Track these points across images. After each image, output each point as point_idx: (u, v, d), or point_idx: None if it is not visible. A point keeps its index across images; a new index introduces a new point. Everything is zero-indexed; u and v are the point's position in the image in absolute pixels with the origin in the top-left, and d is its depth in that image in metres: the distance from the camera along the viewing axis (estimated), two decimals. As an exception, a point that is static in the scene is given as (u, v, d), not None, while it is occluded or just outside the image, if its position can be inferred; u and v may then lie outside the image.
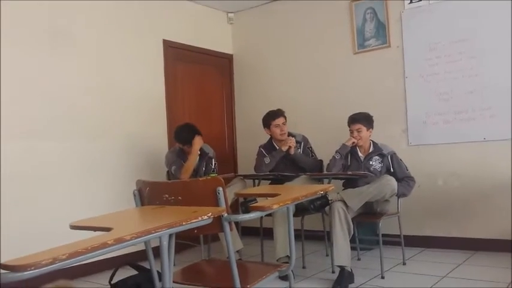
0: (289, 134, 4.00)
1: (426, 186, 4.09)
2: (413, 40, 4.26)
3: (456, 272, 3.36)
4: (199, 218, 1.47)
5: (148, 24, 4.54)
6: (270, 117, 4.00)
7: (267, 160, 3.97)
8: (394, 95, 4.35)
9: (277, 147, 4.00)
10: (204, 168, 4.12)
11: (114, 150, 4.14)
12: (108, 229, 1.35)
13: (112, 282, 1.95)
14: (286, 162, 3.95)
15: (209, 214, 1.51)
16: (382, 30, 4.44)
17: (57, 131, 3.73)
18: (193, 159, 3.97)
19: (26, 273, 1.00)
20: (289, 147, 3.88)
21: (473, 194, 3.95)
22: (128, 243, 1.22)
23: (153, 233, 1.31)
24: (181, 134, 4.02)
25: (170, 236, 1.57)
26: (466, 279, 3.18)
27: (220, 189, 1.75)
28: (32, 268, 1.01)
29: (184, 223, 1.42)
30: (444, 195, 4.10)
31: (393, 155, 3.64)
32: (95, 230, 1.43)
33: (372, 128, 3.70)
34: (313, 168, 3.96)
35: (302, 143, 4.04)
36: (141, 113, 4.41)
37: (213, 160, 4.19)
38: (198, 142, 3.99)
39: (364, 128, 3.63)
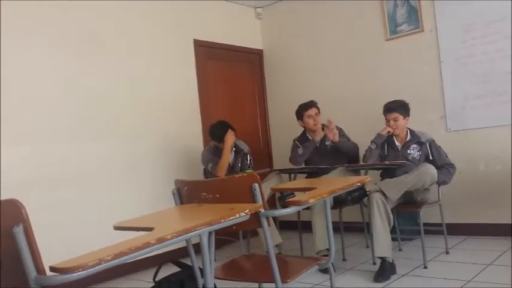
0: (323, 125, 3.97)
1: (467, 172, 3.99)
2: (446, 23, 4.14)
3: (501, 259, 3.26)
4: (237, 215, 1.49)
5: (178, 25, 4.60)
6: (303, 108, 3.99)
7: (300, 151, 3.97)
8: (430, 80, 4.25)
9: (311, 138, 3.98)
10: (239, 165, 4.15)
11: (152, 151, 4.23)
12: (150, 229, 1.38)
13: (156, 279, 2.00)
14: (322, 154, 3.93)
15: (246, 211, 1.53)
16: (414, 15, 4.33)
17: (95, 133, 3.84)
18: (227, 154, 4.01)
19: (74, 274, 1.05)
20: (328, 134, 3.79)
21: (517, 179, 3.82)
22: (169, 242, 1.25)
23: (193, 231, 1.33)
24: (215, 131, 4.07)
25: (210, 233, 1.60)
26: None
27: (256, 185, 1.76)
28: (80, 270, 1.05)
29: (222, 220, 1.44)
30: (486, 180, 3.98)
31: (432, 142, 3.56)
32: (137, 230, 1.47)
33: (409, 116, 3.62)
34: (354, 152, 3.91)
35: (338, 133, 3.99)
36: (176, 113, 4.48)
37: (248, 156, 4.22)
38: (230, 137, 4.02)
39: (400, 117, 3.57)
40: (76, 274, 1.05)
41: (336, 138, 3.79)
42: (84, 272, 1.06)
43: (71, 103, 3.71)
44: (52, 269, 1.07)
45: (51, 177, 3.50)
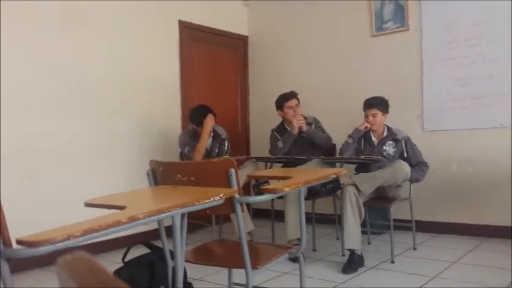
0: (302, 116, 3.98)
1: (439, 171, 4.07)
2: (432, 23, 4.18)
3: (466, 258, 3.35)
4: (212, 199, 1.48)
5: (164, 5, 4.51)
6: (283, 99, 3.98)
7: (280, 144, 3.96)
8: (411, 79, 4.30)
9: (289, 129, 3.99)
10: (216, 150, 4.14)
11: (129, 130, 4.18)
12: (121, 207, 1.37)
13: (125, 260, 1.99)
14: (299, 146, 3.94)
15: (221, 195, 1.53)
16: (400, 13, 4.36)
17: (72, 109, 3.76)
18: (205, 139, 3.99)
19: (41, 248, 1.03)
20: (300, 126, 3.85)
21: (487, 181, 3.91)
22: (141, 222, 1.24)
23: (166, 212, 1.32)
24: (195, 115, 4.05)
25: (182, 215, 1.59)
26: (476, 265, 3.18)
27: (233, 170, 1.76)
28: (47, 244, 1.03)
29: (196, 203, 1.43)
30: (457, 182, 4.07)
31: (407, 140, 3.61)
32: (109, 208, 1.45)
33: (388, 112, 3.66)
34: (327, 144, 3.95)
35: (313, 125, 4.01)
36: (156, 94, 4.42)
37: (226, 142, 4.20)
38: (209, 122, 4.00)
39: (379, 113, 3.60)
40: (43, 248, 1.03)
41: (305, 128, 3.84)
42: (51, 246, 1.04)
43: (49, 79, 3.62)
44: (18, 242, 1.05)
45: (24, 151, 3.42)
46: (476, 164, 3.97)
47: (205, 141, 4.00)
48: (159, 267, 1.89)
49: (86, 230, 1.11)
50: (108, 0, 4.02)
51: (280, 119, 4.12)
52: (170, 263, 1.84)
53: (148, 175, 2.02)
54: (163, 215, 1.32)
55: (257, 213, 4.47)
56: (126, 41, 4.18)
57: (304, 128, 3.87)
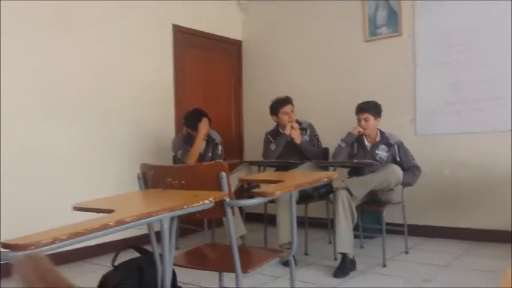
0: (296, 122, 3.99)
1: (432, 175, 4.08)
2: (425, 29, 4.21)
3: (458, 262, 3.36)
4: (201, 202, 1.48)
5: (158, 9, 4.51)
6: (279, 104, 3.97)
7: (272, 146, 3.97)
8: (404, 84, 4.32)
9: (282, 132, 3.99)
10: (210, 154, 4.13)
11: (122, 135, 4.17)
12: (110, 211, 1.36)
13: (114, 264, 1.97)
14: (292, 150, 3.95)
15: (211, 198, 1.52)
16: (394, 19, 4.38)
17: (63, 113, 3.75)
18: (199, 143, 3.98)
19: (26, 252, 1.01)
20: (293, 135, 3.85)
21: (479, 185, 3.93)
22: (129, 225, 1.23)
23: (154, 215, 1.32)
24: (190, 119, 4.04)
25: (172, 219, 1.58)
26: (467, 269, 3.19)
27: (224, 174, 1.75)
28: (32, 248, 1.02)
29: (185, 207, 1.43)
30: (450, 186, 4.08)
31: (400, 145, 3.62)
32: (97, 212, 1.44)
33: (380, 117, 3.67)
34: (318, 158, 3.96)
35: (308, 130, 4.02)
36: (150, 98, 4.41)
37: (220, 146, 4.20)
38: (204, 126, 3.99)
39: (371, 118, 3.61)
40: (28, 252, 1.02)
41: (298, 141, 3.86)
42: (37, 250, 1.03)
43: (41, 83, 3.61)
44: (4, 245, 1.04)
45: (16, 155, 3.40)
46: (469, 168, 3.99)
47: (200, 145, 4.00)
48: (149, 272, 1.88)
49: (72, 234, 1.10)
50: (102, 3, 4.01)
51: (274, 123, 4.12)
52: (160, 267, 1.83)
53: (138, 178, 2.01)
54: (152, 218, 1.31)
55: (250, 218, 4.46)
56: (120, 45, 4.18)
57: (298, 140, 3.87)
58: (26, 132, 3.49)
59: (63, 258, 3.44)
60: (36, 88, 3.58)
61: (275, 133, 4.07)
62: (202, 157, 4.10)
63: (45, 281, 0.49)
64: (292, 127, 3.87)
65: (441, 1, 4.11)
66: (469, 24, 3.97)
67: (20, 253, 0.99)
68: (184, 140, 4.09)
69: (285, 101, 3.97)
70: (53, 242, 1.05)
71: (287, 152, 3.93)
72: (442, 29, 4.11)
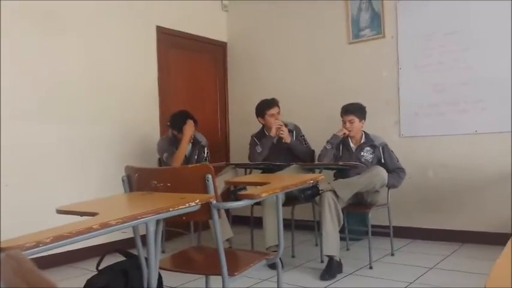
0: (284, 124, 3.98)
1: (416, 177, 4.11)
2: (407, 31, 4.25)
3: (444, 264, 3.38)
4: (187, 205, 1.46)
5: (141, 10, 4.48)
6: (265, 106, 3.97)
7: (258, 149, 3.96)
8: (388, 85, 4.35)
9: (268, 134, 3.98)
10: (196, 157, 4.11)
11: (106, 137, 4.12)
12: (94, 214, 1.34)
13: (99, 268, 1.94)
14: (279, 152, 3.94)
15: (197, 201, 1.50)
16: (377, 21, 4.42)
17: (49, 114, 3.71)
18: (184, 146, 3.96)
19: (7, 252, 0.99)
20: (282, 135, 3.85)
21: (463, 187, 3.97)
22: (113, 228, 1.21)
23: (139, 218, 1.30)
24: (175, 121, 4.01)
25: (157, 222, 1.56)
26: (453, 270, 3.21)
27: (210, 176, 1.74)
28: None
29: (171, 209, 1.41)
30: (434, 187, 4.12)
31: (384, 146, 3.64)
32: (81, 215, 1.41)
33: (365, 119, 3.69)
34: (307, 156, 3.96)
35: (294, 132, 4.03)
36: (134, 100, 4.38)
37: (206, 149, 4.17)
38: (189, 128, 3.97)
39: (356, 119, 3.63)
40: (9, 252, 0.99)
41: (288, 140, 3.86)
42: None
43: (24, 85, 3.56)
44: (-16, 249, 1.01)
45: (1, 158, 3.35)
46: (453, 170, 4.03)
47: (185, 148, 3.97)
48: (134, 275, 1.85)
49: (56, 237, 1.08)
50: (85, 4, 3.97)
51: (260, 125, 4.11)
52: (145, 271, 1.81)
53: (123, 181, 1.99)
54: (137, 221, 1.29)
55: (236, 220, 4.44)
56: (104, 47, 4.14)
57: (288, 139, 3.87)
58: (9, 134, 3.42)
59: (47, 262, 3.38)
60: (20, 90, 3.53)
61: (261, 135, 4.06)
62: (187, 160, 4.07)
63: (27, 281, 0.48)
64: (278, 128, 3.86)
65: (424, 1, 4.14)
66: (452, 26, 4.01)
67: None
68: (170, 142, 4.06)
69: (272, 103, 3.97)
70: (36, 246, 1.03)
71: (273, 154, 3.93)
72: (425, 30, 4.15)
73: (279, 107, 3.98)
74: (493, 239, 3.68)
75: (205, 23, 5.23)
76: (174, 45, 4.85)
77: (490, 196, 3.83)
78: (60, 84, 3.79)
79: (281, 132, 3.86)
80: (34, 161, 3.59)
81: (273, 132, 3.87)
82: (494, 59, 3.82)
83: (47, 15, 3.69)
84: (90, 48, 4.02)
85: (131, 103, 4.35)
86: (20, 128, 3.51)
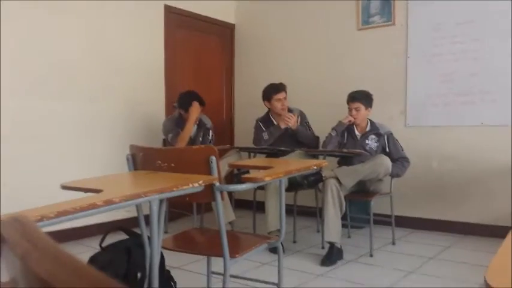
0: (288, 109, 3.97)
1: (420, 167, 4.10)
2: (418, 19, 4.19)
3: (444, 254, 3.39)
4: (190, 185, 1.46)
5: (150, -11, 4.45)
6: (273, 91, 3.94)
7: (265, 136, 3.94)
8: (395, 74, 4.31)
9: (275, 123, 3.97)
10: (200, 139, 4.11)
11: (111, 114, 4.13)
12: (98, 191, 1.34)
13: (102, 246, 1.96)
14: (283, 137, 3.93)
15: (200, 182, 1.51)
16: (387, 8, 4.36)
17: (55, 91, 3.71)
18: (190, 127, 3.95)
19: (12, 215, 0.99)
20: (289, 123, 3.84)
21: (467, 178, 3.97)
22: (117, 206, 1.21)
23: (143, 197, 1.30)
24: (182, 100, 4.01)
25: (161, 201, 1.57)
26: (453, 261, 3.22)
27: (213, 158, 1.74)
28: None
29: (175, 189, 1.41)
30: (438, 178, 4.11)
31: (390, 135, 3.63)
32: (85, 191, 1.42)
33: (371, 107, 3.67)
34: (312, 143, 3.95)
35: (299, 118, 4.01)
36: (139, 79, 4.36)
37: (211, 132, 4.18)
38: (194, 110, 3.96)
39: (362, 107, 3.61)
40: (14, 214, 1.00)
41: (294, 126, 3.84)
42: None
43: (29, 62, 3.55)
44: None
45: (4, 134, 3.36)
46: (457, 161, 4.01)
47: (190, 130, 3.97)
48: (137, 254, 1.87)
49: (60, 212, 1.08)
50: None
51: (265, 109, 4.10)
52: (148, 249, 1.82)
53: (128, 160, 1.99)
54: (141, 199, 1.30)
55: (239, 204, 4.46)
56: (111, 25, 4.12)
57: (295, 126, 3.86)
58: (13, 111, 3.43)
59: (54, 237, 3.43)
60: (24, 67, 3.52)
61: (266, 120, 4.05)
62: (192, 141, 4.08)
63: (31, 242, 0.48)
64: (288, 117, 3.83)
65: (436, -8, 4.09)
66: (464, 16, 3.96)
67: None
68: (176, 122, 4.06)
69: (279, 87, 3.95)
70: (40, 220, 1.04)
71: (278, 139, 3.92)
72: (436, 19, 4.10)
73: (286, 92, 3.96)
74: (495, 232, 3.69)
75: (214, 3, 5.18)
76: (181, 25, 4.82)
77: (494, 189, 3.82)
78: (66, 63, 3.77)
79: (288, 121, 3.82)
80: (38, 138, 3.60)
81: (282, 124, 3.85)
82: (504, 51, 3.77)
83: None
84: (96, 27, 4.00)
85: (137, 82, 4.33)
86: (25, 106, 3.52)
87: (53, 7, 3.68)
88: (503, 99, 3.78)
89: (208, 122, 4.20)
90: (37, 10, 3.58)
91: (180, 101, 4.05)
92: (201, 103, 4.03)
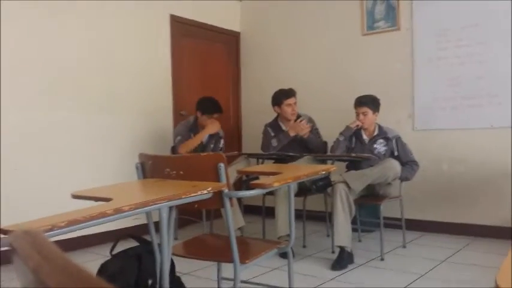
0: (297, 115, 3.98)
1: (430, 171, 4.08)
2: (423, 23, 4.19)
3: (455, 257, 3.37)
4: (199, 192, 1.48)
5: (156, -1, 4.50)
6: (283, 96, 3.95)
7: (274, 143, 3.94)
8: (402, 78, 4.31)
9: (284, 128, 3.97)
10: (212, 146, 4.14)
11: (119, 124, 4.16)
12: (108, 199, 1.36)
13: (113, 253, 1.98)
14: (292, 143, 3.94)
15: (209, 189, 1.52)
16: (392, 13, 4.37)
17: (62, 102, 3.74)
18: (199, 138, 4.01)
19: (22, 229, 1.01)
20: (303, 132, 3.84)
21: (477, 181, 3.94)
22: (127, 214, 1.23)
23: (152, 205, 1.32)
24: (204, 103, 4.05)
25: (170, 209, 1.58)
26: (464, 264, 3.20)
27: (222, 165, 1.75)
28: (31, 233, 1.02)
29: (183, 196, 1.43)
30: (448, 181, 4.09)
31: (398, 139, 3.62)
32: (95, 200, 1.44)
33: (378, 111, 3.67)
34: (321, 149, 3.96)
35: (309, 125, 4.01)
36: (147, 88, 4.40)
37: (222, 140, 4.21)
38: (212, 127, 4.02)
39: (370, 111, 3.61)
40: (25, 228, 1.02)
41: (306, 135, 3.85)
42: (35, 236, 1.03)
43: (40, 72, 3.59)
44: (2, 231, 1.04)
45: (11, 144, 3.40)
46: (466, 164, 3.99)
47: (199, 140, 4.03)
48: (147, 261, 1.88)
49: (71, 221, 1.10)
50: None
51: (273, 115, 4.11)
52: (158, 257, 1.84)
53: (137, 168, 2.01)
54: (150, 207, 1.31)
55: (248, 210, 4.46)
56: (118, 35, 4.16)
57: (307, 135, 3.87)
58: (24, 121, 3.48)
59: (62, 247, 3.43)
60: (35, 77, 3.57)
61: (275, 125, 4.06)
62: (203, 148, 4.11)
63: (42, 254, 0.49)
64: (299, 126, 3.84)
65: (441, -4, 4.09)
66: (468, 20, 3.95)
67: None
68: (189, 127, 4.09)
69: (290, 93, 3.95)
70: (51, 229, 1.05)
71: (286, 145, 3.92)
72: (441, 23, 4.09)
73: (296, 97, 3.97)
74: (507, 233, 3.65)
75: (219, 12, 5.22)
76: (187, 35, 4.86)
77: (504, 190, 3.79)
78: (75, 73, 3.81)
79: (301, 130, 3.83)
80: (48, 148, 3.63)
81: (291, 132, 3.86)
82: (509, 53, 3.75)
83: (61, 3, 3.71)
84: (104, 38, 4.04)
85: (144, 91, 4.37)
86: (35, 115, 3.55)
87: (62, 19, 3.72)
88: (510, 102, 3.76)
89: (221, 131, 4.24)
90: (44, 20, 3.62)
91: (201, 105, 4.09)
92: (220, 112, 4.07)
